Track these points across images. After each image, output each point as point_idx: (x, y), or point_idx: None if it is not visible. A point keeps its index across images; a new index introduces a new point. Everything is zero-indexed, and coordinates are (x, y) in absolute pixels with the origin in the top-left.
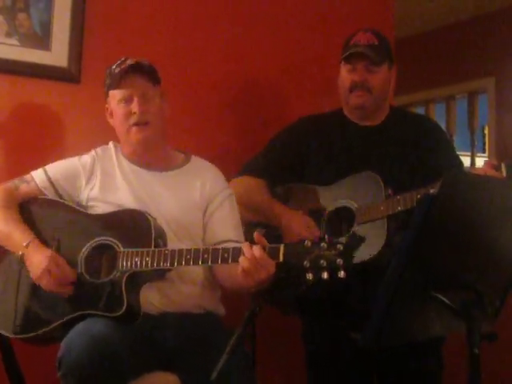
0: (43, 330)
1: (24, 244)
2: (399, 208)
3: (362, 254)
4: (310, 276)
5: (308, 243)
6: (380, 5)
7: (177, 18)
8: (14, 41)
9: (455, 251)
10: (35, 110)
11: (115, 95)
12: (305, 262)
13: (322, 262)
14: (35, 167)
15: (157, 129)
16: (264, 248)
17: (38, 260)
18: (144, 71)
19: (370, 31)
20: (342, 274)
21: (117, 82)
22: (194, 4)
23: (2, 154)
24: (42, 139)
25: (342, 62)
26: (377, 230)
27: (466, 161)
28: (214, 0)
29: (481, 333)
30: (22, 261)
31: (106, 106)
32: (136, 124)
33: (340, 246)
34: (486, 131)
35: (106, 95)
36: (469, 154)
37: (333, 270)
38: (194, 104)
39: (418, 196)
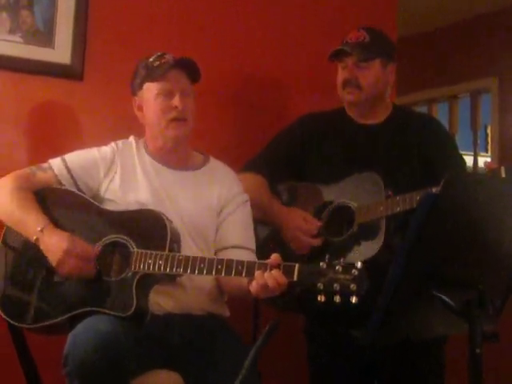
0: (50, 321)
1: (38, 228)
2: (398, 209)
3: (362, 254)
4: (322, 298)
5: (323, 265)
6: (383, 4)
7: (179, 16)
8: (17, 38)
9: (457, 250)
10: (38, 107)
11: (152, 88)
12: (318, 284)
13: (335, 285)
14: (37, 163)
15: (191, 127)
16: (279, 266)
17: (55, 242)
18: (187, 67)
19: (362, 28)
20: (354, 299)
21: (158, 75)
22: (196, 2)
23: (4, 150)
24: (44, 136)
25: (338, 61)
26: (376, 230)
27: (469, 160)
28: None
29: (482, 333)
30: (36, 246)
31: (135, 98)
32: (176, 119)
33: (355, 271)
34: (489, 131)
35: (139, 87)
36: (471, 153)
37: (345, 295)
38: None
39: (418, 197)
